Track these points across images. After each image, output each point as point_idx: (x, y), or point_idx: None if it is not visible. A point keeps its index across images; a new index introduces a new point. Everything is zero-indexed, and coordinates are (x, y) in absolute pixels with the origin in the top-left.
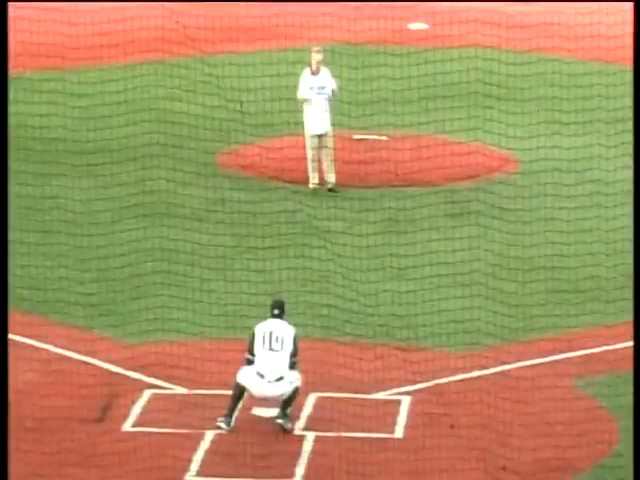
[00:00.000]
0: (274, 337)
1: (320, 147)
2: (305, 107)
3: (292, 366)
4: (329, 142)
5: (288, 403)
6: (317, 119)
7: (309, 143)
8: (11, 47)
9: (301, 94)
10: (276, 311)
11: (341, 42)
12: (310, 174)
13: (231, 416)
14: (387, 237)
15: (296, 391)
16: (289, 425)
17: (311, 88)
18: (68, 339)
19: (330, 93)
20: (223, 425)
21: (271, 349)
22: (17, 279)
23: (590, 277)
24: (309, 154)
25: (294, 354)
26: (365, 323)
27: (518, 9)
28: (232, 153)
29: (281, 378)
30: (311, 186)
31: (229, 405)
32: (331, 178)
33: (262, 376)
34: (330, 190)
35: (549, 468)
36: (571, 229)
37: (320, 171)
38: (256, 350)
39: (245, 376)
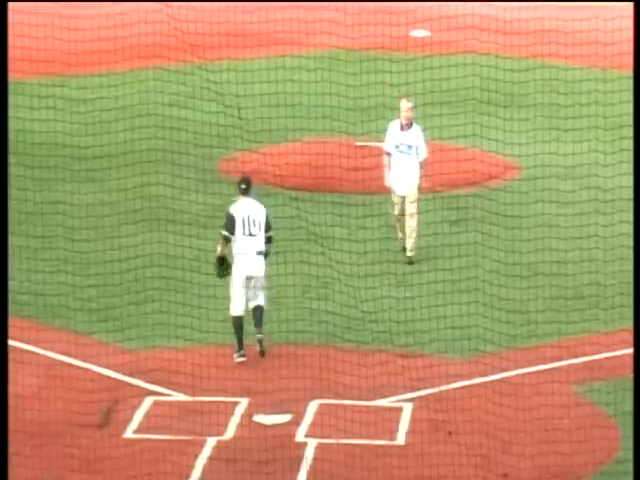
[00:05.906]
0: (251, 221)
1: (404, 211)
2: (389, 162)
3: (268, 240)
4: (412, 207)
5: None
6: (401, 179)
7: (394, 200)
8: (11, 53)
9: (386, 149)
10: (243, 186)
11: (340, 48)
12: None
13: (242, 347)
14: (386, 243)
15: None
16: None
17: (397, 146)
18: (69, 344)
19: (416, 153)
20: (241, 359)
21: (250, 234)
22: (17, 284)
23: (590, 283)
24: (393, 210)
25: (267, 229)
26: (365, 329)
27: (516, 15)
28: (233, 159)
29: (261, 252)
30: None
31: (237, 339)
32: (410, 246)
33: (244, 253)
34: (409, 262)
35: (550, 475)
36: (570, 235)
37: (402, 233)
38: (237, 235)
39: (235, 298)
